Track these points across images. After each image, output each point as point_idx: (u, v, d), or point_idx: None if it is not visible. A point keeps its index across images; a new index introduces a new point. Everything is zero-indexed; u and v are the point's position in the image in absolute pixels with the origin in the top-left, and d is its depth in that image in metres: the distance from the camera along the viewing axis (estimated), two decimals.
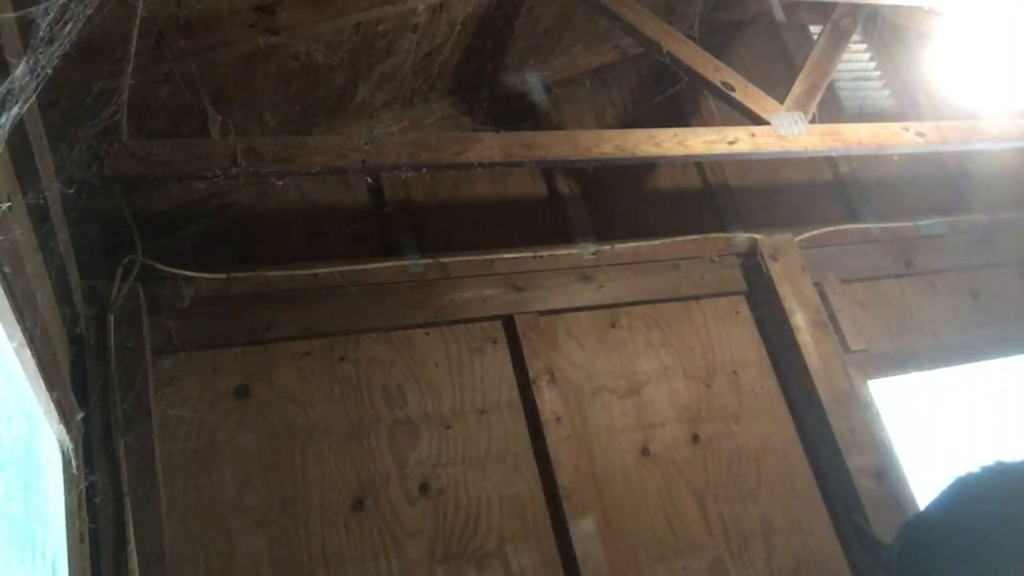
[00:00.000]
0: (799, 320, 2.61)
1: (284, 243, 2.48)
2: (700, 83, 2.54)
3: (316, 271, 2.28)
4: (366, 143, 2.08)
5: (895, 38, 3.56)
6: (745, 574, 2.33)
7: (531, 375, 2.35)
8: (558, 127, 2.87)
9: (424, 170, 2.17)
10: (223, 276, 2.19)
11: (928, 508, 1.39)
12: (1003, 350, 2.96)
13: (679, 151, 2.36)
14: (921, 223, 3.05)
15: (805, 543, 2.42)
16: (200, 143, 2.00)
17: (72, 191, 1.59)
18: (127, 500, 1.81)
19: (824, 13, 2.92)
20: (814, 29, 3.37)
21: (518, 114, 2.84)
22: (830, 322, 2.67)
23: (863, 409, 2.56)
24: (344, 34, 2.24)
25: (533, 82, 2.93)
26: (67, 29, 1.11)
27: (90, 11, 1.15)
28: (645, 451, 2.41)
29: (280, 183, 2.11)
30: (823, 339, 2.60)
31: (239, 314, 2.19)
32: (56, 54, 1.10)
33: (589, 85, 3.07)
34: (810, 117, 2.52)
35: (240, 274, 2.21)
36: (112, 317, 1.98)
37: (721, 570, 2.32)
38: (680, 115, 3.07)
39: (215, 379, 2.13)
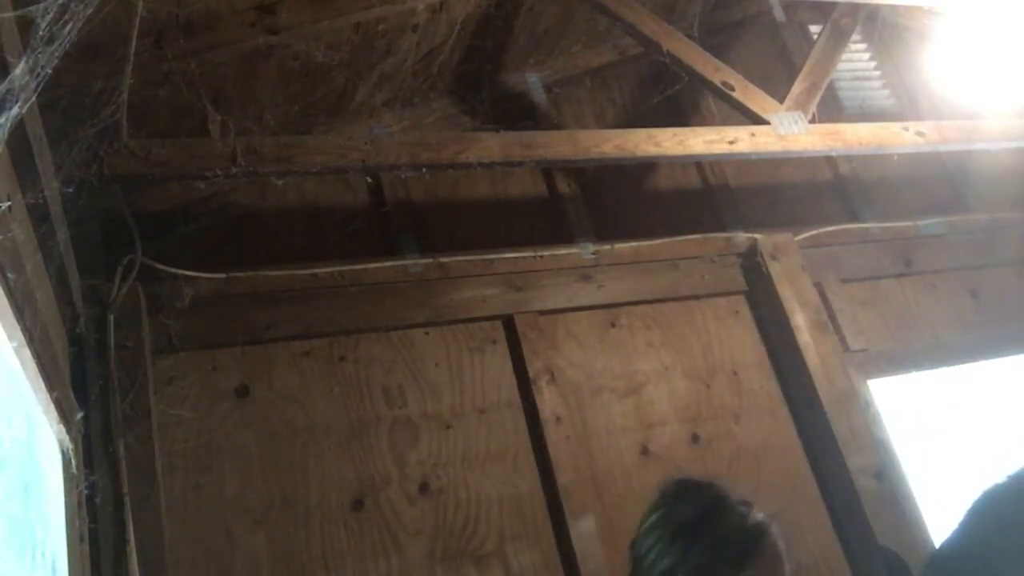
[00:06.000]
0: (799, 320, 2.61)
1: (284, 243, 2.48)
2: (700, 83, 2.54)
3: (316, 271, 2.28)
4: (366, 143, 2.08)
5: (895, 38, 3.56)
6: None
7: (531, 375, 2.35)
8: (558, 127, 2.87)
9: (424, 170, 2.17)
10: (223, 276, 2.19)
11: (951, 535, 1.31)
12: (1003, 350, 2.96)
13: (679, 151, 2.36)
14: (921, 223, 3.05)
15: (805, 543, 2.42)
16: (200, 143, 2.00)
17: (72, 191, 1.59)
18: (127, 500, 1.81)
19: (824, 13, 2.92)
20: (814, 29, 3.37)
21: (518, 114, 2.84)
22: (830, 322, 2.67)
23: (863, 409, 2.56)
24: (344, 34, 2.24)
25: (533, 82, 2.93)
26: (67, 29, 1.10)
27: (90, 11, 1.15)
28: (645, 451, 2.41)
29: (280, 183, 2.11)
30: (823, 339, 2.60)
31: (239, 314, 2.18)
32: (56, 54, 1.10)
33: (589, 85, 3.07)
34: (810, 117, 2.52)
35: (240, 274, 2.21)
36: (112, 317, 1.98)
37: None
38: (680, 115, 3.07)
39: (215, 379, 2.13)
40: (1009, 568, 1.16)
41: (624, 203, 2.89)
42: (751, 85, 2.52)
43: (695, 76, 2.51)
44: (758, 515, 1.39)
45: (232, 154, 1.93)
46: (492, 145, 2.19)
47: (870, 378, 2.71)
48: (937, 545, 1.36)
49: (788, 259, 2.71)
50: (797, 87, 2.58)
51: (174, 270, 2.13)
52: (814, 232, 2.83)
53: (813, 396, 2.52)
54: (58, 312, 1.69)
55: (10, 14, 1.06)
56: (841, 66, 3.04)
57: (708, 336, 2.64)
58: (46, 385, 1.30)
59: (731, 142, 2.41)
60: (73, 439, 1.55)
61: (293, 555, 2.02)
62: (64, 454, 1.51)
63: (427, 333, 2.36)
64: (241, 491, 2.04)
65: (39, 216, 1.40)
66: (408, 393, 2.28)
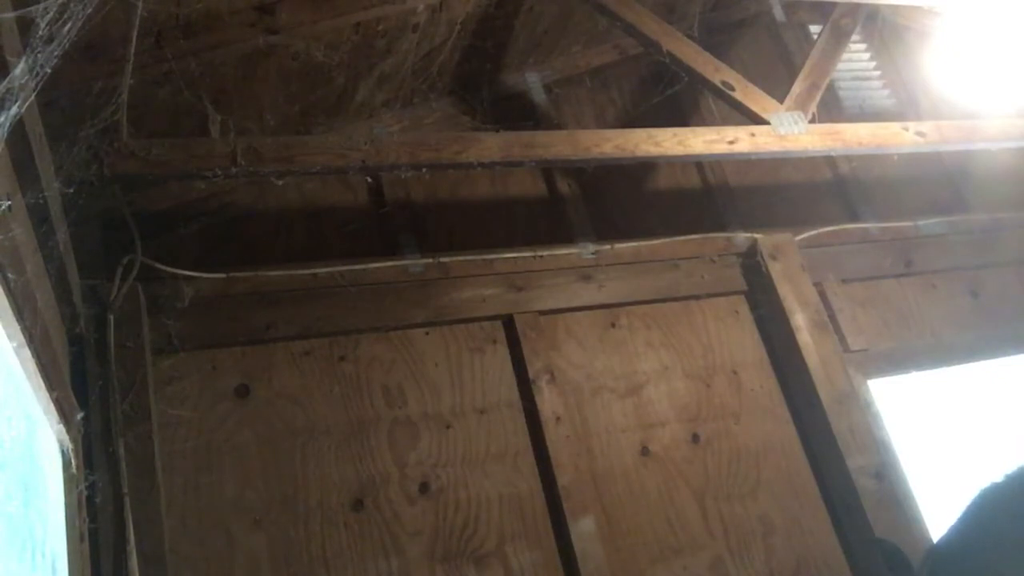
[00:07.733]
0: (799, 320, 2.61)
1: (284, 243, 2.48)
2: (700, 83, 2.54)
3: (316, 271, 2.28)
4: (366, 143, 2.08)
5: (895, 38, 3.56)
6: (745, 574, 2.33)
7: (531, 375, 2.35)
8: (558, 127, 2.87)
9: (424, 170, 2.17)
10: (223, 276, 2.19)
11: (948, 530, 1.33)
12: (1003, 350, 2.96)
13: (679, 151, 2.36)
14: (921, 223, 3.05)
15: (805, 543, 2.42)
16: (200, 143, 2.00)
17: (72, 191, 1.59)
18: (127, 500, 1.81)
19: (824, 13, 2.92)
20: (814, 29, 3.37)
21: (518, 114, 2.84)
22: (830, 322, 2.67)
23: (863, 409, 2.56)
24: (344, 34, 2.24)
25: (533, 82, 2.93)
26: (66, 28, 1.11)
27: (89, 10, 1.15)
28: (645, 451, 2.41)
29: (280, 183, 2.11)
30: (823, 339, 2.60)
31: (239, 314, 2.19)
32: (55, 53, 1.10)
33: (589, 85, 3.07)
34: (810, 117, 2.52)
35: (240, 274, 2.21)
36: (112, 317, 1.98)
37: (721, 570, 2.32)
38: (680, 115, 3.07)
39: (215, 379, 2.13)
40: (1007, 564, 1.17)
41: (624, 203, 2.89)
42: (751, 85, 2.52)
43: (695, 76, 2.51)
44: None
45: (232, 154, 1.93)
46: (492, 145, 2.19)
47: (870, 378, 2.71)
48: (935, 541, 1.37)
49: (788, 259, 2.71)
50: (797, 87, 2.58)
51: (174, 270, 2.13)
52: (814, 232, 2.83)
53: (813, 396, 2.52)
54: (58, 312, 1.69)
55: (10, 14, 1.06)
56: (841, 66, 3.05)
57: (708, 336, 2.64)
58: (46, 385, 1.30)
59: (731, 142, 2.41)
60: (73, 439, 1.55)
61: (293, 555, 2.02)
62: (64, 454, 1.51)
63: (427, 333, 2.37)
64: (241, 491, 2.04)
65: (39, 216, 1.40)
66: (408, 393, 2.28)
